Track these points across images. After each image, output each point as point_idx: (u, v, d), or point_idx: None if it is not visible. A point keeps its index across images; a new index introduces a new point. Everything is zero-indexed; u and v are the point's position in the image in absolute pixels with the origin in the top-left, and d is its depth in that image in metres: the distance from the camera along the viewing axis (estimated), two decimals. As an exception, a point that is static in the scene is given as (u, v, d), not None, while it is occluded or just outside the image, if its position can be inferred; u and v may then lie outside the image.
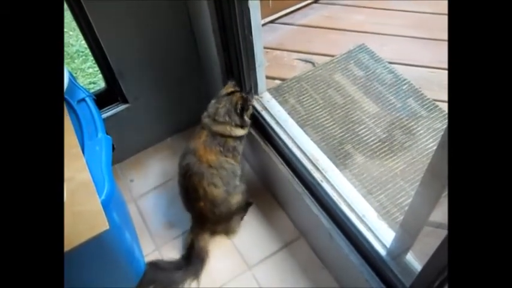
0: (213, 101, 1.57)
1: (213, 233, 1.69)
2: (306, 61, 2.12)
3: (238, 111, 1.52)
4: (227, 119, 1.51)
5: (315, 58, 2.16)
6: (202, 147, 1.51)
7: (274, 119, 1.61)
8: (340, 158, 1.74)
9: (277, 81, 2.07)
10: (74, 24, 2.53)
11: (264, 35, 1.63)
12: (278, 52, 2.22)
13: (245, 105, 1.53)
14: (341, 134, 1.83)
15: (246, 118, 1.55)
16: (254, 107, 1.63)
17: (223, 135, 1.52)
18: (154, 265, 1.60)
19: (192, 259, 1.60)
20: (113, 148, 1.31)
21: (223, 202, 1.56)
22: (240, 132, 1.55)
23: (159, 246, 1.70)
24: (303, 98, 1.98)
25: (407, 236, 1.08)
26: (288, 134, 1.55)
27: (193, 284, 1.59)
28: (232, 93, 1.54)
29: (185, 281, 1.57)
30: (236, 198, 1.60)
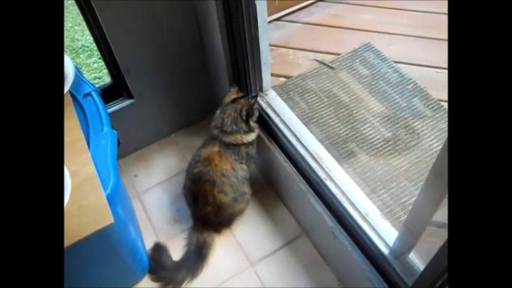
0: (218, 111, 1.58)
1: (215, 230, 1.70)
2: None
3: (244, 117, 1.52)
4: (235, 127, 1.52)
5: (320, 56, 2.16)
6: (218, 157, 1.53)
7: (279, 116, 1.61)
8: (344, 157, 1.74)
9: (282, 79, 2.07)
10: (79, 19, 2.54)
11: (269, 32, 1.63)
12: (284, 50, 2.22)
13: (250, 110, 1.53)
14: (345, 133, 1.83)
15: (252, 123, 1.56)
16: (259, 104, 1.63)
17: (236, 145, 1.54)
18: (159, 265, 1.61)
19: (194, 255, 1.61)
20: (118, 143, 1.31)
21: (228, 208, 1.61)
22: (251, 137, 1.57)
23: (162, 241, 1.71)
24: (308, 96, 1.98)
25: (410, 235, 1.08)
26: (292, 132, 1.56)
27: (196, 280, 1.60)
28: (235, 100, 1.55)
29: (187, 279, 1.58)
30: (240, 206, 1.67)
